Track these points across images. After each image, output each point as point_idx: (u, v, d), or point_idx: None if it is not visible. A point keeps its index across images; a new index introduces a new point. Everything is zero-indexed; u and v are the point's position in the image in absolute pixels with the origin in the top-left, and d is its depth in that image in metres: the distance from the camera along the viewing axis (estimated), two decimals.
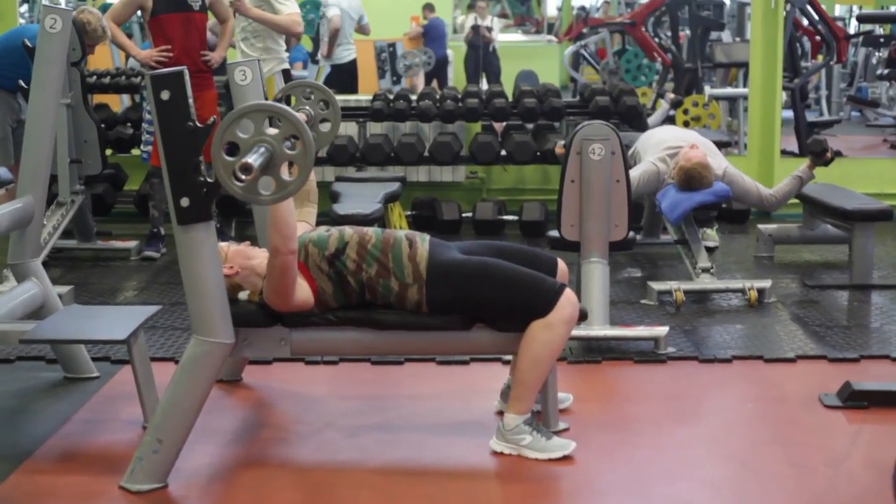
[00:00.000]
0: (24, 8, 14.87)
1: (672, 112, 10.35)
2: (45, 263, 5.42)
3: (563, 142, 6.75)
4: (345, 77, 12.02)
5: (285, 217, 3.91)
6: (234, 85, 4.93)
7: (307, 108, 4.95)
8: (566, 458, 4.10)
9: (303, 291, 4.08)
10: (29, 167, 4.97)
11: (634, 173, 6.41)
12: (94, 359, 5.17)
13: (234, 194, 3.59)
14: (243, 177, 3.44)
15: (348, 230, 4.21)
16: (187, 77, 3.77)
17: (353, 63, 12.33)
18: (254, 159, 3.44)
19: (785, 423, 4.61)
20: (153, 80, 3.72)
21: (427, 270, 4.10)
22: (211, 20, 7.84)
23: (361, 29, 12.37)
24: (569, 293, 4.10)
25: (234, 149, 3.57)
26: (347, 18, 12.09)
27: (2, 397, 4.90)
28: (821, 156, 6.73)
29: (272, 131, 3.58)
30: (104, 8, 13.15)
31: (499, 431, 4.17)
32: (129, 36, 8.53)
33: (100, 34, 7.23)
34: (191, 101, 3.74)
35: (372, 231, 4.22)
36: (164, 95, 3.70)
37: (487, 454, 4.18)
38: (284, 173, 3.60)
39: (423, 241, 4.19)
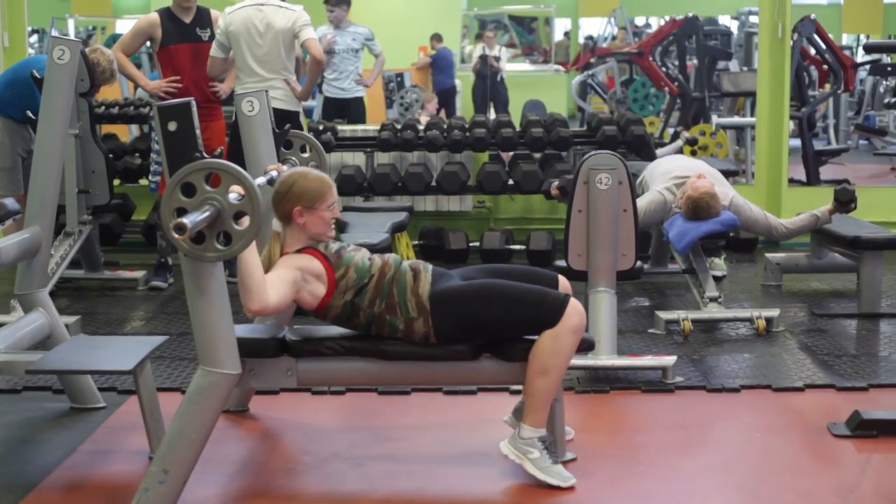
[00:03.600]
0: (34, 38, 14.93)
1: (679, 142, 10.35)
2: (52, 293, 5.42)
3: (557, 182, 6.78)
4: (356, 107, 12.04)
5: (248, 270, 3.92)
6: (242, 115, 4.95)
7: (292, 158, 5.02)
8: (571, 489, 4.10)
9: (304, 294, 4.12)
10: (36, 197, 4.98)
11: (641, 202, 6.41)
12: (100, 389, 5.17)
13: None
14: (177, 236, 3.48)
15: (377, 260, 4.22)
16: (195, 108, 3.78)
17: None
18: (191, 220, 3.47)
19: (794, 453, 4.59)
20: (160, 111, 3.74)
21: (430, 301, 4.10)
22: None
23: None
24: (574, 302, 4.11)
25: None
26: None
27: (8, 427, 4.89)
28: (846, 205, 6.71)
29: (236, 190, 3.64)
30: (114, 39, 13.25)
31: (513, 437, 4.20)
32: (138, 66, 8.55)
33: (108, 76, 7.25)
34: (198, 132, 3.75)
35: (392, 261, 4.23)
36: (172, 126, 3.72)
37: (494, 484, 4.17)
38: (240, 225, 3.66)
39: (427, 271, 4.19)
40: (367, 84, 11.03)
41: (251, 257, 3.90)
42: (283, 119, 6.51)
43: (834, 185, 9.59)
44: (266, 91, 5.35)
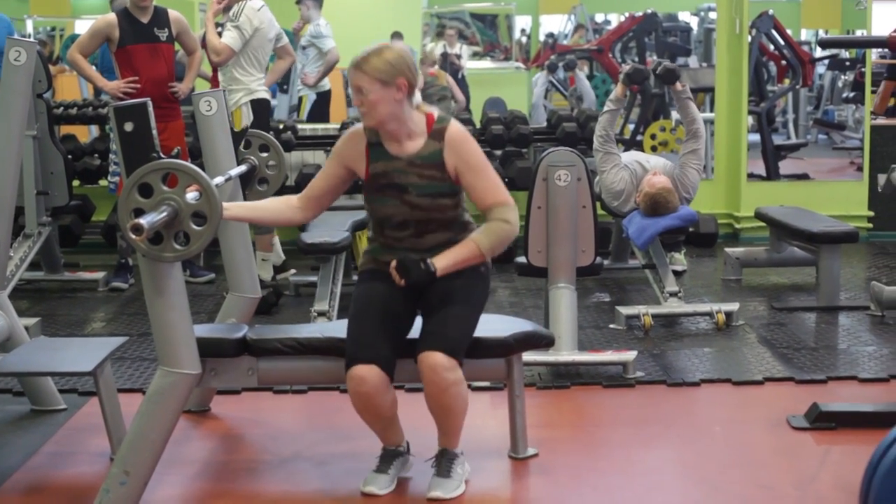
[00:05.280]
0: None
1: (640, 137, 10.37)
2: (11, 295, 5.39)
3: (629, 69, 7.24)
4: (325, 106, 12.03)
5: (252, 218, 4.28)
6: (199, 115, 4.93)
7: (251, 157, 5.02)
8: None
9: None
10: None
11: (605, 169, 6.59)
12: (61, 391, 5.15)
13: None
14: (135, 237, 3.48)
15: None
16: (151, 109, 3.78)
17: (329, 92, 12.34)
18: (148, 220, 3.48)
19: (753, 446, 4.63)
20: (117, 111, 3.73)
21: None
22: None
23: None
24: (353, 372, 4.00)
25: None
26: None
27: None
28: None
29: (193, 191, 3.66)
30: (72, 39, 13.16)
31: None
32: (95, 65, 8.48)
33: None
34: (155, 132, 3.75)
35: None
36: (128, 127, 3.72)
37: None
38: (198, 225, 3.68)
39: None
40: (309, 83, 11.05)
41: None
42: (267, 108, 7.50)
43: (793, 178, 9.72)
44: (224, 90, 5.35)
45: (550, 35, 21.50)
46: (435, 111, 4.12)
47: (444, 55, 15.50)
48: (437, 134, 4.06)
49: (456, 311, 4.04)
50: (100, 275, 7.69)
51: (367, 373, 3.92)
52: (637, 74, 7.18)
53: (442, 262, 4.03)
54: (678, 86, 7.02)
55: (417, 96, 4.12)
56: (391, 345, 4.00)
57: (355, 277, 7.11)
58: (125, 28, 7.32)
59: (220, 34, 7.35)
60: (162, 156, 3.71)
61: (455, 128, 4.08)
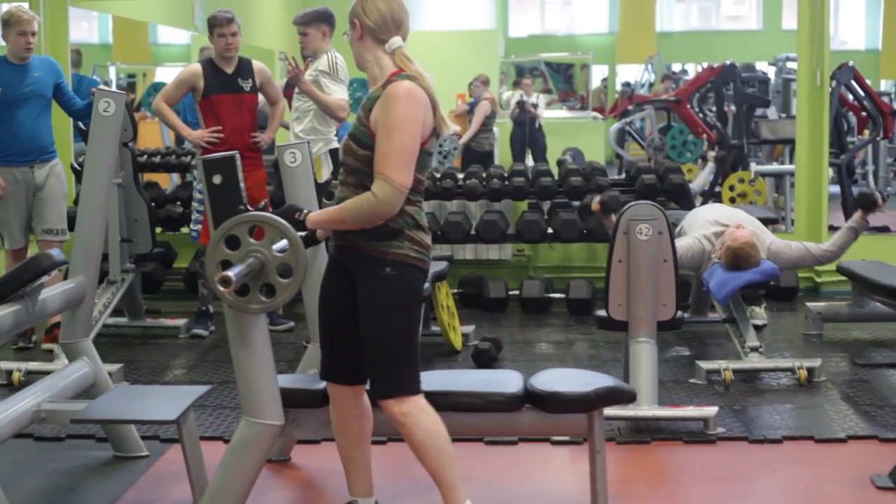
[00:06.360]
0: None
1: (718, 188, 10.35)
2: (94, 341, 5.47)
3: (599, 197, 6.64)
4: None
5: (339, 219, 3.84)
6: (284, 167, 5.00)
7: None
8: None
9: None
10: (81, 247, 5.04)
11: (679, 247, 6.42)
12: (143, 437, 5.20)
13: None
14: (222, 289, 3.52)
15: None
16: (239, 161, 3.83)
17: None
18: (235, 272, 3.52)
19: None
20: (205, 164, 3.78)
21: None
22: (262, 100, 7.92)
23: None
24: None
25: None
26: None
27: (52, 476, 4.93)
28: (871, 207, 6.76)
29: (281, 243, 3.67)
30: (154, 86, 13.38)
31: None
32: (178, 113, 8.59)
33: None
34: (242, 184, 3.80)
35: None
36: (216, 179, 3.76)
37: None
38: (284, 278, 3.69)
39: None
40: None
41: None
42: None
43: (874, 231, 9.59)
44: (308, 142, 5.41)
45: (627, 84, 21.54)
46: (414, 71, 3.86)
47: (521, 103, 15.56)
48: (386, 84, 3.84)
49: (381, 340, 3.86)
50: (181, 321, 7.77)
51: None
52: (612, 202, 6.55)
53: (314, 217, 3.87)
54: (863, 217, 6.91)
55: (393, 42, 3.89)
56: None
57: (434, 328, 7.18)
58: (210, 78, 7.44)
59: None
60: (249, 208, 3.76)
61: (398, 84, 3.79)
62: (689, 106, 12.80)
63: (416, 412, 3.89)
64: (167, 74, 14.71)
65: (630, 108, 15.57)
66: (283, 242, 3.70)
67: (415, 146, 3.77)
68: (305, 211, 3.84)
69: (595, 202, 6.63)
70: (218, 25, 7.41)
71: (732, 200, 10.42)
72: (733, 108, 12.75)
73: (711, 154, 10.57)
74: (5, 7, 7.39)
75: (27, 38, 6.96)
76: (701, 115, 12.99)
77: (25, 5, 7.85)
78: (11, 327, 4.44)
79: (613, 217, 6.07)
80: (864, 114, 11.86)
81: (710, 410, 5.50)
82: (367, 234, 3.80)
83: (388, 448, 5.21)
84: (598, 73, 23.10)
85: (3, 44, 7.20)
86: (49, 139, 7.21)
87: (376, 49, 3.89)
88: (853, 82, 10.91)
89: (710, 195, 10.96)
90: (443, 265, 7.49)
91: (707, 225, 6.80)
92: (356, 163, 3.84)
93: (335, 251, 3.97)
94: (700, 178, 9.56)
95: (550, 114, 17.71)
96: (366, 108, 3.84)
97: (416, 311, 3.95)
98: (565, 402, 4.17)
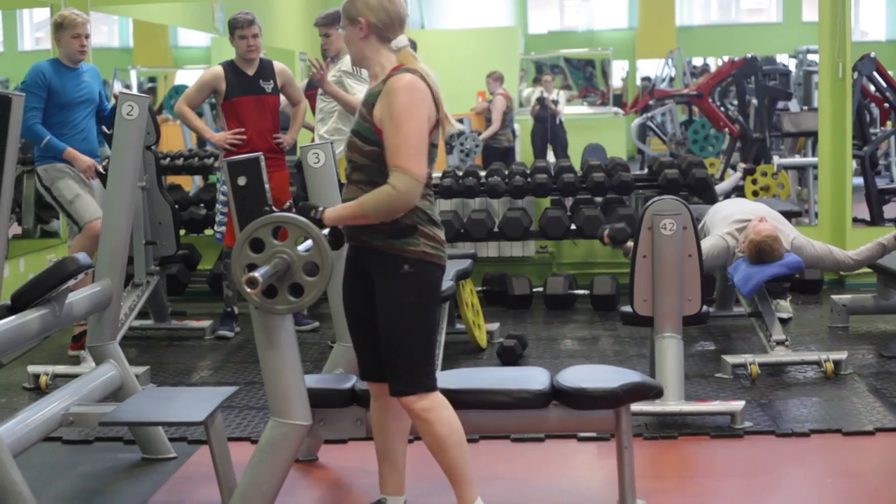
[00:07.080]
0: None
1: (741, 182, 10.32)
2: (120, 344, 5.49)
3: (608, 231, 6.62)
4: None
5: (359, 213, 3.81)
6: (308, 167, 5.01)
7: None
8: None
9: None
10: (107, 250, 5.06)
11: (704, 247, 6.39)
12: (171, 439, 5.22)
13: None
14: (249, 291, 3.54)
15: None
16: (263, 163, 3.84)
17: None
18: (261, 273, 3.54)
19: (865, 498, 4.56)
20: (230, 166, 3.80)
21: None
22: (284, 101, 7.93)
23: None
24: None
25: None
26: None
27: (81, 479, 4.96)
28: None
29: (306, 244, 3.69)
30: (176, 89, 13.41)
31: None
32: (199, 115, 8.59)
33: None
34: (267, 186, 3.81)
35: None
36: (241, 181, 3.78)
37: None
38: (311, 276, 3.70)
39: None
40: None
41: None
42: None
43: None
44: (332, 143, 5.42)
45: (647, 79, 21.49)
46: (414, 64, 3.89)
47: (541, 100, 15.55)
48: (387, 79, 3.84)
49: (401, 338, 3.86)
50: (206, 323, 7.79)
51: None
52: (619, 234, 6.56)
53: (331, 213, 3.82)
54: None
55: (400, 41, 3.92)
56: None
57: (459, 326, 7.18)
58: (231, 80, 7.45)
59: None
60: (274, 209, 3.77)
61: (400, 76, 3.80)
62: (710, 100, 12.78)
63: (439, 407, 3.90)
64: (188, 77, 14.74)
65: (651, 102, 15.56)
66: (308, 242, 3.71)
67: (424, 136, 3.78)
68: (321, 208, 3.81)
69: (605, 235, 6.64)
70: (239, 27, 7.43)
71: (755, 194, 10.39)
72: (755, 101, 12.71)
73: (742, 165, 10.53)
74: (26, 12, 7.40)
75: (81, 40, 6.98)
76: (722, 108, 12.97)
77: (47, 10, 7.87)
78: (39, 331, 4.46)
79: (629, 243, 6.10)
80: (886, 105, 11.80)
81: (737, 405, 5.49)
82: (382, 232, 3.80)
83: (414, 447, 5.22)
84: (618, 69, 23.05)
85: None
86: (97, 143, 7.24)
87: (380, 47, 3.91)
88: (875, 73, 10.84)
89: (734, 189, 10.92)
90: (466, 263, 7.48)
91: (730, 222, 6.78)
92: (362, 159, 3.84)
93: (350, 252, 3.99)
94: (726, 184, 9.53)
95: (571, 110, 17.69)
96: (368, 104, 3.85)
97: (434, 307, 3.95)
98: (592, 399, 4.17)
